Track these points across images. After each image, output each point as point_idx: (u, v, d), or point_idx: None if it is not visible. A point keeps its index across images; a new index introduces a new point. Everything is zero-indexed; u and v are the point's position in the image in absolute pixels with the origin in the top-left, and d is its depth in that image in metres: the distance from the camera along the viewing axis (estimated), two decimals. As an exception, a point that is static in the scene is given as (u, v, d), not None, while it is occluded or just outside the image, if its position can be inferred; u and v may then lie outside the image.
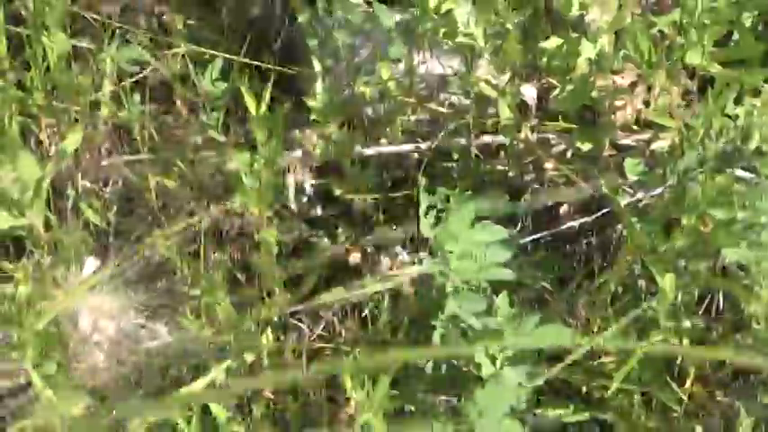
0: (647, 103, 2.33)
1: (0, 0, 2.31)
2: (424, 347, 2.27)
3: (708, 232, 2.16)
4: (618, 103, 2.33)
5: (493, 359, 2.13)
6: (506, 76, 2.34)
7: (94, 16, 2.52)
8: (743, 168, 2.13)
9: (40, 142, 2.38)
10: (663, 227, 2.19)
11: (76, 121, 2.37)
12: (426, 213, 2.21)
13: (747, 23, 2.30)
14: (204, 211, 2.45)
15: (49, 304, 2.16)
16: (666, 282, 2.15)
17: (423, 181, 2.27)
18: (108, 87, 2.38)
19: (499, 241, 2.15)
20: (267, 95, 2.26)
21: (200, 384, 2.16)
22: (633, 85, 2.33)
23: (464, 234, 2.13)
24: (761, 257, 2.09)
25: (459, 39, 2.29)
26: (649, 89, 2.32)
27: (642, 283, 2.29)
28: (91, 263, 2.30)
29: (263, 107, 2.21)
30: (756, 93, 2.20)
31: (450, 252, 2.12)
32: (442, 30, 2.30)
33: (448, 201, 2.22)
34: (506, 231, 2.17)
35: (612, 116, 2.34)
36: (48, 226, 2.26)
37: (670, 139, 2.31)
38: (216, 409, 2.22)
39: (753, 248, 2.10)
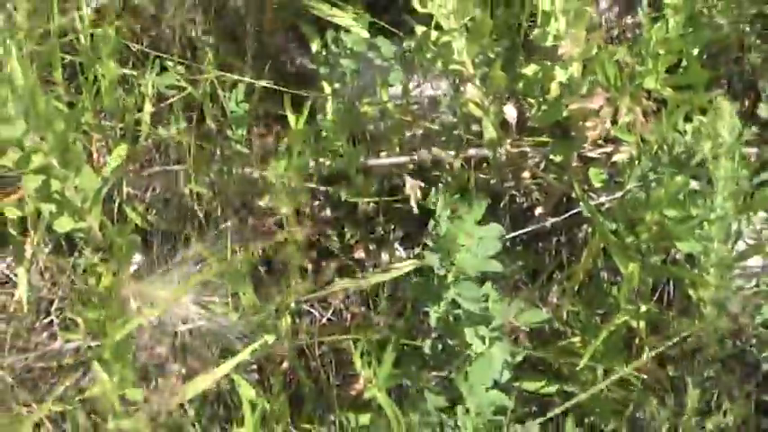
0: (614, 122, 2.33)
1: (55, 33, 2.30)
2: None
3: (664, 228, 2.16)
4: (589, 124, 2.31)
5: (482, 339, 2.13)
6: (491, 99, 2.32)
7: (137, 46, 2.50)
8: (692, 176, 2.10)
9: (90, 155, 2.37)
10: (625, 225, 2.19)
11: (122, 137, 2.38)
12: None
13: (694, 54, 2.31)
14: (231, 213, 2.44)
15: (105, 293, 2.16)
16: (630, 270, 2.15)
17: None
18: (148, 108, 2.38)
19: (492, 237, 2.13)
20: (305, 114, 2.28)
21: (230, 364, 2.14)
22: (601, 107, 2.32)
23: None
24: (709, 249, 2.08)
25: (453, 66, 2.28)
26: (616, 110, 2.31)
27: (604, 274, 2.28)
28: (137, 257, 2.34)
29: (302, 123, 2.24)
30: (703, 111, 2.17)
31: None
32: (439, 59, 2.29)
33: (440, 205, 2.14)
34: (501, 228, 2.15)
35: (585, 134, 2.33)
36: (101, 227, 2.26)
37: (629, 153, 2.30)
38: (243, 384, 2.22)
39: (701, 241, 2.09)
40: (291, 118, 2.29)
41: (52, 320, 2.44)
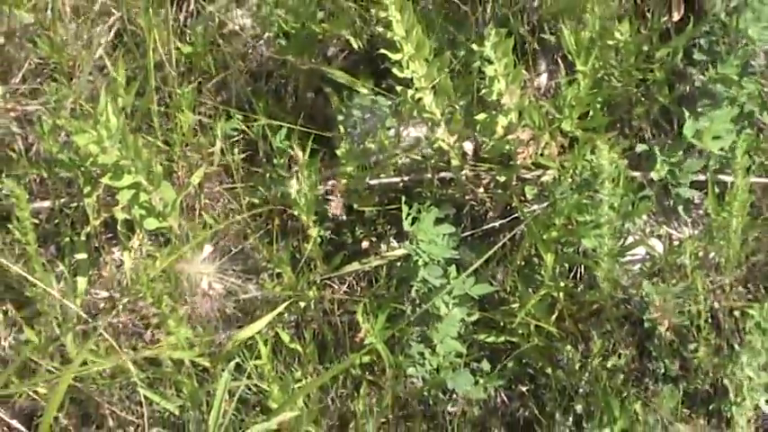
0: (542, 154, 2.33)
1: (153, 96, 2.28)
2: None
3: (573, 229, 2.18)
4: (519, 151, 2.30)
5: (446, 304, 2.15)
6: (455, 137, 2.29)
7: (211, 102, 2.45)
8: (594, 191, 2.07)
9: (177, 176, 2.34)
10: (548, 226, 2.18)
11: (199, 164, 2.36)
12: (407, 218, 2.15)
13: (597, 106, 2.30)
14: (276, 215, 2.40)
15: (178, 272, 2.18)
16: (550, 257, 2.18)
17: (403, 199, 2.21)
18: (219, 144, 2.34)
19: (449, 234, 2.15)
20: (308, 150, 2.24)
21: (272, 314, 2.15)
22: (529, 141, 2.31)
23: (430, 230, 2.13)
24: (602, 243, 2.10)
25: (426, 115, 2.25)
26: (540, 144, 2.31)
27: (535, 259, 2.28)
28: (208, 248, 2.30)
29: (307, 156, 2.21)
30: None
31: (422, 240, 2.12)
32: (416, 110, 2.26)
33: (419, 212, 2.16)
34: (453, 228, 2.17)
35: (518, 160, 2.32)
36: (180, 226, 2.28)
37: (552, 175, 2.32)
38: (282, 333, 2.26)
39: (597, 238, 2.11)
40: (299, 154, 2.25)
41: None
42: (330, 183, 2.42)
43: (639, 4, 2.43)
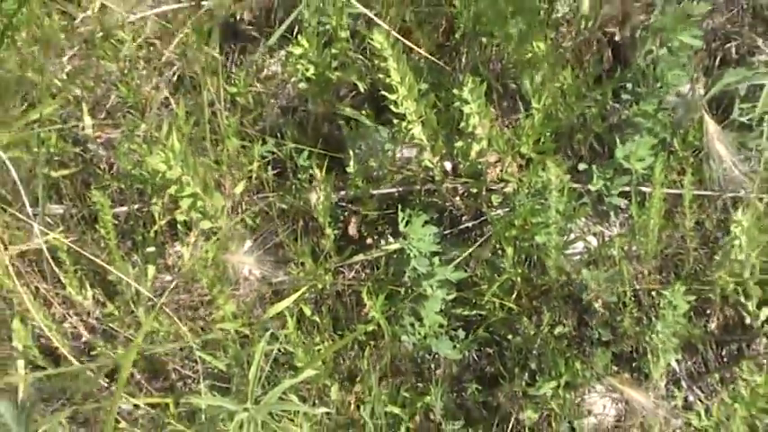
0: (505, 171, 2.31)
1: (206, 127, 2.23)
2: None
3: (529, 228, 2.15)
4: (488, 170, 2.30)
5: (431, 286, 2.15)
6: (437, 158, 2.28)
7: (251, 130, 2.41)
8: (545, 199, 2.07)
9: (224, 188, 2.31)
10: (510, 226, 2.16)
11: (241, 178, 2.33)
12: (401, 221, 2.12)
13: (548, 134, 2.27)
14: (300, 216, 2.38)
15: (225, 261, 2.13)
16: (510, 250, 2.17)
17: (399, 207, 2.19)
18: (256, 163, 2.33)
19: (433, 233, 2.13)
20: (324, 168, 2.23)
21: (297, 294, 2.11)
22: (496, 162, 2.31)
23: (418, 229, 2.11)
24: (550, 239, 2.11)
25: (416, 141, 2.23)
26: (504, 164, 2.31)
27: (500, 251, 2.21)
28: (248, 243, 2.31)
29: (324, 173, 2.21)
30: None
31: (412, 237, 2.10)
32: (408, 137, 2.22)
33: (411, 215, 2.13)
34: (436, 228, 2.15)
35: (487, 176, 2.31)
36: (226, 226, 2.22)
37: (512, 187, 2.30)
38: (305, 308, 2.23)
39: (546, 235, 2.11)
40: (318, 171, 2.24)
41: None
42: (342, 194, 2.39)
43: (579, 56, 2.40)
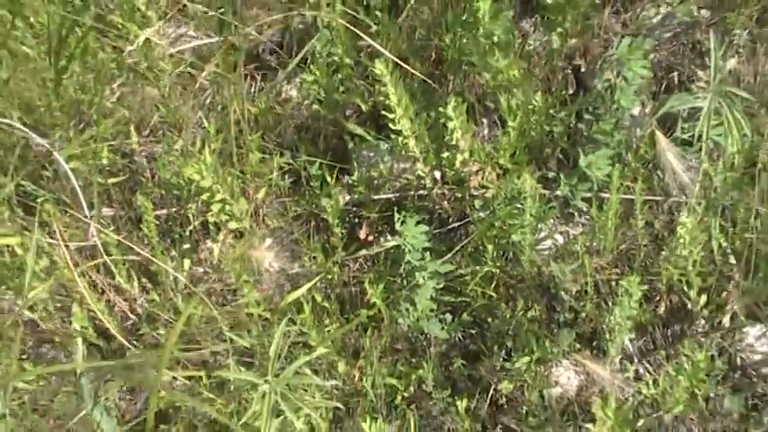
0: (486, 179, 2.30)
1: (233, 142, 2.22)
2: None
3: (506, 228, 2.15)
4: (471, 178, 2.30)
5: (423, 277, 2.13)
6: (428, 168, 2.29)
7: (269, 145, 2.41)
8: (520, 203, 2.05)
9: (249, 194, 2.32)
10: (490, 226, 2.16)
11: (263, 186, 2.34)
12: (398, 221, 2.08)
13: (522, 147, 2.28)
14: (312, 219, 2.39)
15: (249, 256, 2.14)
16: (490, 246, 2.18)
17: (395, 210, 2.16)
18: (275, 173, 2.34)
19: (425, 231, 2.10)
20: (334, 176, 2.29)
21: (310, 284, 2.11)
22: (478, 171, 2.30)
23: (412, 229, 2.08)
24: (525, 238, 2.12)
25: (410, 153, 2.23)
26: (484, 173, 2.32)
27: (481, 248, 2.21)
28: (269, 240, 2.31)
29: (333, 181, 2.25)
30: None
31: (407, 235, 2.07)
32: (404, 150, 2.22)
33: (406, 217, 2.08)
34: (427, 227, 2.11)
35: (470, 183, 2.31)
36: (251, 226, 2.26)
37: (492, 193, 2.29)
38: (317, 296, 2.23)
39: (521, 234, 2.12)
40: (332, 180, 2.29)
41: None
42: (347, 199, 2.39)
43: (548, 82, 2.42)
